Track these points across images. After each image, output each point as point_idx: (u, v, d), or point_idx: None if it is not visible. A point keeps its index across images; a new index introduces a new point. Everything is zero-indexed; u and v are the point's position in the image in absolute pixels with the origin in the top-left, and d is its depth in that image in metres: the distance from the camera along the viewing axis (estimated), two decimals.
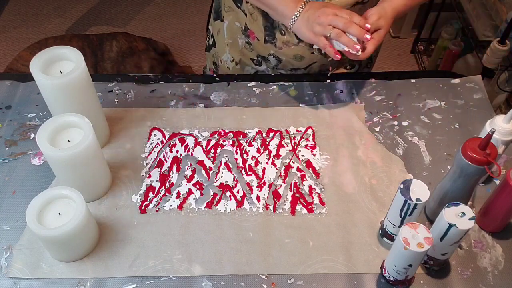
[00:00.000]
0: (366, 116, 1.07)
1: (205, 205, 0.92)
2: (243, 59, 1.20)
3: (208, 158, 0.99)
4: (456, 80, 1.14)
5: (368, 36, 0.91)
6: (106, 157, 0.98)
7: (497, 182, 0.95)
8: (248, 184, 0.95)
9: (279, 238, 0.87)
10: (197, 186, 0.95)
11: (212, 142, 1.02)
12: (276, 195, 0.93)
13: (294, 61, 1.14)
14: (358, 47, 0.91)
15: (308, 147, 1.01)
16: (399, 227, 0.82)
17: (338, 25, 0.91)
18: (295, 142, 1.02)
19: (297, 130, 1.04)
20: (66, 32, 2.61)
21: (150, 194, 0.93)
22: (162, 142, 1.02)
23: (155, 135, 1.03)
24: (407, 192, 0.77)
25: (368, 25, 0.93)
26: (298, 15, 0.96)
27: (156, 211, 0.91)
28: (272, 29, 1.09)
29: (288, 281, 0.83)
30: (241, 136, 1.03)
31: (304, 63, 1.14)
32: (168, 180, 0.95)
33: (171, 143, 1.02)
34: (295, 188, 0.94)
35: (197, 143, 1.01)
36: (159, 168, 0.97)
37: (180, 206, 0.92)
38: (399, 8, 0.99)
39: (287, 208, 0.92)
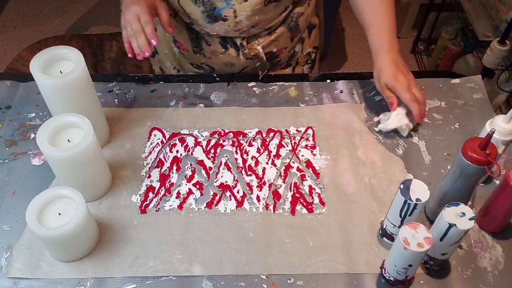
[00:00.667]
0: (366, 116, 1.07)
1: (205, 205, 0.92)
2: (183, 66, 1.22)
3: (208, 158, 0.99)
4: (456, 80, 1.14)
5: (148, 50, 0.91)
6: (106, 157, 0.98)
7: (497, 182, 0.95)
8: (248, 184, 0.95)
9: (279, 238, 0.87)
10: (197, 186, 0.95)
11: (212, 142, 1.02)
12: (276, 195, 0.93)
13: (226, 68, 1.15)
14: (146, 53, 0.91)
15: (308, 147, 1.01)
16: (399, 227, 0.82)
17: (132, 28, 0.92)
18: (295, 142, 1.02)
19: (297, 130, 1.04)
20: (66, 32, 2.61)
21: (150, 194, 0.93)
22: (162, 142, 1.02)
23: (155, 135, 1.03)
24: (407, 192, 0.77)
25: (153, 41, 0.91)
26: None
27: (156, 211, 0.91)
28: (198, 40, 1.10)
29: (288, 281, 0.83)
30: (241, 136, 1.03)
31: (236, 69, 1.16)
32: (168, 180, 0.95)
33: (171, 143, 1.02)
34: (295, 188, 0.94)
35: (197, 143, 1.01)
36: (159, 168, 0.97)
37: (180, 206, 0.92)
38: (391, 43, 0.99)
39: (287, 208, 0.92)
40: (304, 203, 0.92)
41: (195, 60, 1.16)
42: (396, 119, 1.01)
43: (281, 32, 1.11)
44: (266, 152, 1.00)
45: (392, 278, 0.80)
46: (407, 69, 1.01)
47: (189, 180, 0.96)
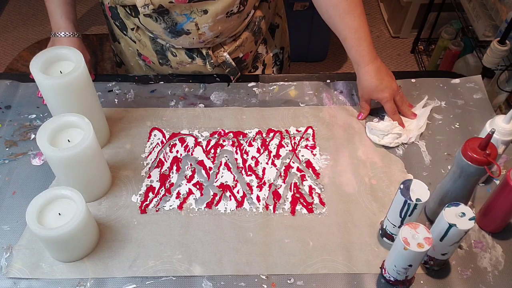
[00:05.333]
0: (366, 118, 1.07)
1: (205, 205, 0.92)
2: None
3: (208, 158, 0.99)
4: (456, 80, 1.14)
5: None
6: (106, 157, 0.98)
7: (497, 182, 0.95)
8: (248, 184, 0.95)
9: (279, 238, 0.87)
10: (197, 186, 0.95)
11: (212, 142, 1.02)
12: (276, 195, 0.93)
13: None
14: None
15: (308, 147, 1.01)
16: (399, 227, 0.82)
17: None
18: (295, 142, 1.02)
19: (297, 130, 1.04)
20: None
21: (150, 194, 0.93)
22: (162, 142, 1.02)
23: (155, 135, 1.03)
24: (407, 192, 0.77)
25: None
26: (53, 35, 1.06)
27: (156, 211, 0.91)
28: (163, 52, 1.09)
29: (288, 281, 0.83)
30: (241, 136, 1.03)
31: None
32: (168, 180, 0.95)
33: (171, 143, 1.02)
34: (295, 188, 0.94)
35: (197, 143, 1.01)
36: (159, 168, 0.97)
37: (180, 206, 0.92)
38: (370, 53, 1.00)
39: (287, 208, 0.92)
40: (304, 203, 0.92)
41: (162, 71, 1.16)
42: (389, 124, 1.01)
43: (246, 37, 1.10)
44: (266, 152, 1.00)
45: (392, 278, 0.80)
46: (390, 74, 1.03)
47: (189, 180, 0.95)
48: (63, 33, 1.05)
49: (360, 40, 0.99)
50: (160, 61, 1.11)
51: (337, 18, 1.00)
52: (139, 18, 0.99)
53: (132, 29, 1.07)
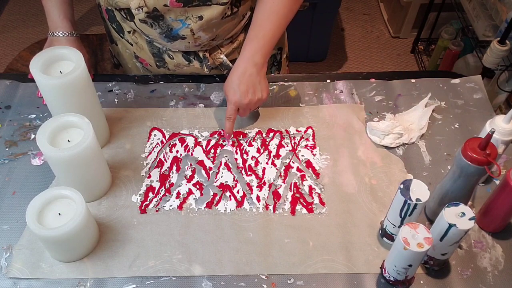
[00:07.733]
0: (366, 116, 1.07)
1: (205, 205, 0.92)
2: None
3: (208, 158, 0.99)
4: (456, 80, 1.14)
5: None
6: (106, 157, 0.98)
7: (497, 182, 0.95)
8: (248, 184, 0.95)
9: (279, 238, 0.87)
10: (197, 186, 0.95)
11: (212, 142, 1.02)
12: (276, 195, 0.93)
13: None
14: None
15: (308, 147, 1.01)
16: (399, 227, 0.82)
17: None
18: (295, 142, 1.02)
19: (297, 130, 1.04)
20: None
21: (150, 194, 0.93)
22: (162, 142, 1.02)
23: (155, 135, 1.03)
24: (407, 192, 0.77)
25: None
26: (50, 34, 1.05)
27: (156, 211, 0.91)
28: (160, 55, 1.09)
29: (288, 281, 0.83)
30: (241, 136, 1.03)
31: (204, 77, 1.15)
32: (168, 180, 0.95)
33: (171, 143, 1.02)
34: (295, 188, 0.94)
35: (197, 143, 1.01)
36: (159, 168, 0.97)
37: (180, 206, 0.92)
38: (253, 51, 0.96)
39: (287, 208, 0.92)
40: (304, 203, 0.92)
41: (159, 74, 1.15)
42: (389, 123, 1.01)
43: (243, 39, 1.10)
44: (266, 152, 1.00)
45: (392, 278, 0.80)
46: (254, 86, 0.97)
47: (189, 180, 0.96)
48: (61, 32, 1.05)
49: (258, 38, 0.97)
50: (157, 63, 1.11)
51: (256, 9, 0.99)
52: (134, 22, 0.99)
53: (129, 32, 1.07)
